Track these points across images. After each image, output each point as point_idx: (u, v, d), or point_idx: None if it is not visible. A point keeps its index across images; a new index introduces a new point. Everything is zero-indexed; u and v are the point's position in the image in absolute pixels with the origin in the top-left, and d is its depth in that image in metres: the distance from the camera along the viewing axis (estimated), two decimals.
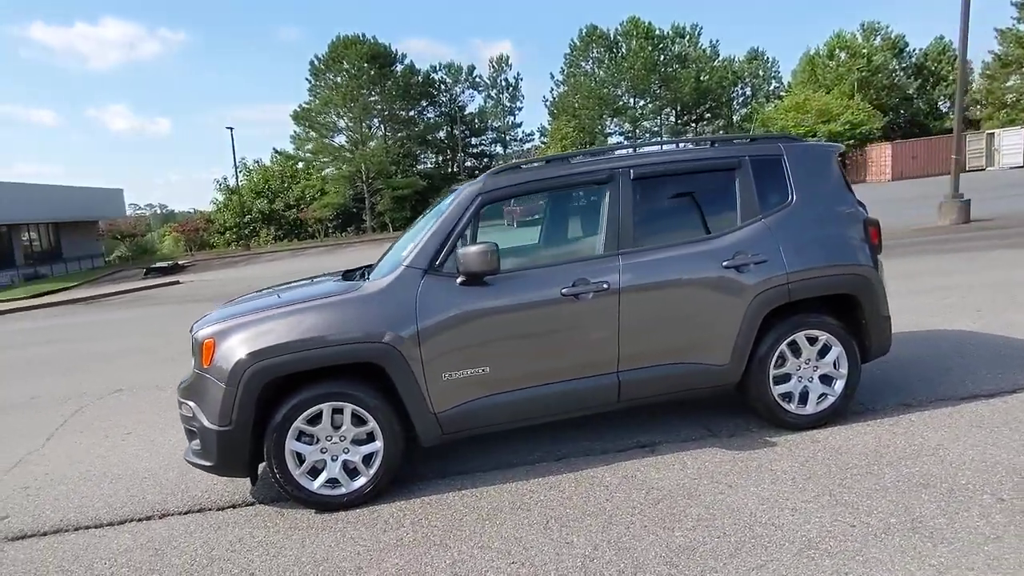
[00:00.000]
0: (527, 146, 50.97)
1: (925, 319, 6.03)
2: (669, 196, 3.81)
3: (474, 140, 50.78)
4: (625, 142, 45.65)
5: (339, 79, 44.21)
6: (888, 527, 2.66)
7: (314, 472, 3.32)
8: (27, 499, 3.90)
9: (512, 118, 51.25)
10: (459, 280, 3.33)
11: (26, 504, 3.83)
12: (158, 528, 3.35)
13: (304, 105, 45.00)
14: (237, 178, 41.88)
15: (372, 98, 45.07)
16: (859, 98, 43.64)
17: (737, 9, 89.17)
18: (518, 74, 51.24)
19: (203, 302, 13.33)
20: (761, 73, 53.71)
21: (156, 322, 12.30)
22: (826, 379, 3.76)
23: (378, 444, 3.32)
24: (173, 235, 44.16)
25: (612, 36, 48.40)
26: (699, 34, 50.19)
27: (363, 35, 43.88)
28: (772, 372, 3.67)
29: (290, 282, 4.42)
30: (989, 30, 42.84)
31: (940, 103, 48.49)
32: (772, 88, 53.66)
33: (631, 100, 49.08)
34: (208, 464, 3.32)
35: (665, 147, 4.08)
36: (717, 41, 52.40)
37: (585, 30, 48.42)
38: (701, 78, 48.46)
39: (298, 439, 3.26)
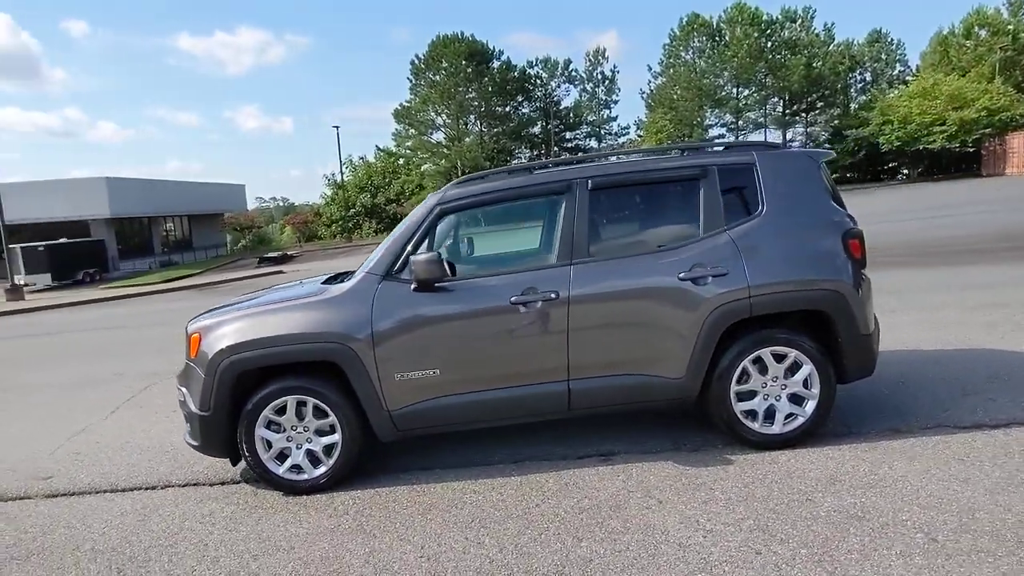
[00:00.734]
0: (622, 140, 50.24)
1: (980, 337, 5.49)
2: (628, 206, 3.79)
3: (568, 134, 50.66)
4: (717, 139, 43.78)
5: (438, 77, 45.67)
6: (793, 558, 2.56)
7: (282, 457, 3.65)
8: (73, 463, 4.55)
9: (607, 111, 50.67)
10: (412, 286, 3.53)
11: (70, 468, 4.47)
12: (155, 497, 3.83)
13: (405, 103, 46.98)
14: (342, 174, 44.50)
15: (469, 95, 46.18)
16: (1000, 81, 39.08)
17: None
18: (614, 67, 50.29)
19: None
20: (884, 57, 49.42)
21: None
22: (797, 399, 3.60)
23: (337, 436, 3.60)
24: (288, 227, 47.65)
25: (715, 24, 46.42)
26: (812, 17, 46.98)
27: (461, 34, 45.07)
28: (735, 388, 3.56)
29: (291, 283, 4.80)
30: None
31: None
32: (896, 73, 49.27)
33: (734, 90, 46.87)
34: (196, 444, 3.74)
35: (633, 157, 4.02)
36: (832, 24, 49.07)
37: (686, 19, 46.82)
38: (813, 64, 45.33)
39: (267, 427, 3.60)
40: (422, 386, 3.55)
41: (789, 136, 49.64)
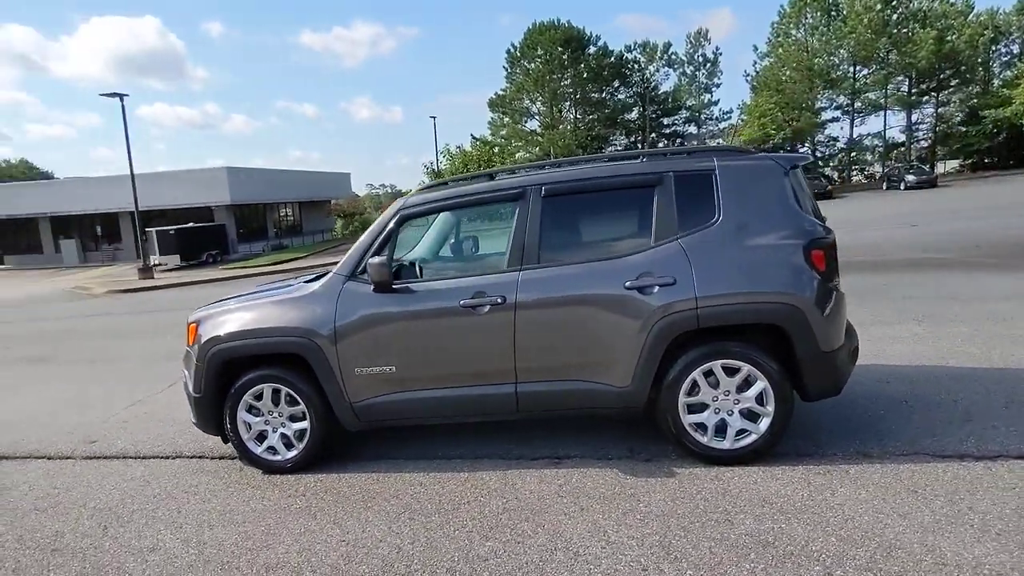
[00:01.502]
0: (722, 125, 47.93)
1: None
2: (582, 213, 3.78)
3: (666, 120, 49.04)
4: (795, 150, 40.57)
5: (532, 66, 45.74)
6: None
7: (261, 438, 4.02)
8: (117, 430, 5.22)
9: (709, 96, 48.43)
10: (371, 287, 3.75)
11: (114, 434, 5.13)
12: (163, 466, 4.35)
13: (500, 92, 47.48)
14: (437, 162, 45.81)
15: (564, 82, 45.90)
16: None
17: None
18: (717, 48, 48.10)
19: None
20: None
21: None
22: (751, 415, 3.47)
23: (307, 423, 3.91)
24: None
25: None
26: None
27: (557, 20, 44.75)
28: (684, 399, 3.49)
29: (288, 280, 5.16)
30: None
31: None
32: None
33: (850, 69, 43.24)
34: (195, 422, 4.20)
35: (593, 164, 3.95)
36: None
37: None
38: (945, 38, 40.81)
39: (248, 411, 3.98)
40: (380, 381, 3.78)
41: (916, 118, 45.18)
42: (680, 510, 3.07)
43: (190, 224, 32.81)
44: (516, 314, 3.58)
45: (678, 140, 48.98)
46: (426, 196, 3.90)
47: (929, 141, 45.43)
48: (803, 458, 3.52)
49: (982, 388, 4.29)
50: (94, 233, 38.48)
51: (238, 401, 3.95)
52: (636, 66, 48.09)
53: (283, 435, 3.98)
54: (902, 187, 33.77)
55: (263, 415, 3.98)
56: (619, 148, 48.58)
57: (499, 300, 3.58)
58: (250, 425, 3.99)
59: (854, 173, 45.94)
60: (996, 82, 42.96)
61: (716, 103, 49.29)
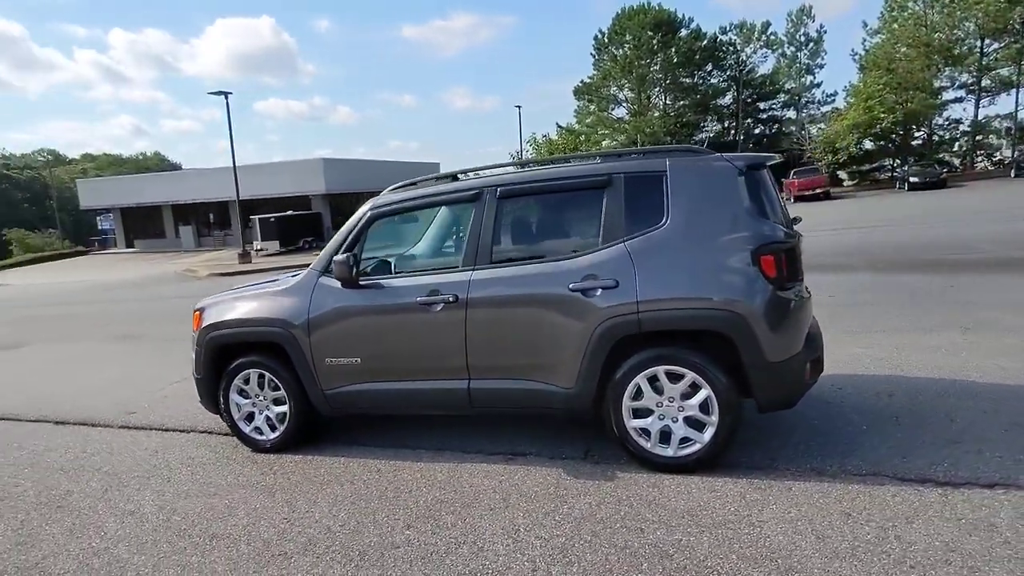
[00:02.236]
0: (824, 108, 44.63)
1: None
2: (534, 215, 3.80)
3: (762, 104, 46.40)
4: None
5: (620, 52, 44.75)
6: None
7: (250, 419, 4.38)
8: (156, 405, 5.81)
9: (811, 77, 45.29)
10: (339, 283, 3.97)
11: (151, 408, 5.72)
12: (176, 438, 4.83)
13: (586, 79, 46.85)
14: (522, 152, 46.10)
15: (653, 67, 44.59)
16: None
17: None
18: (821, 27, 44.48)
19: None
20: None
21: None
22: (695, 423, 3.39)
23: (286, 407, 4.22)
24: None
25: None
26: None
27: (648, 3, 43.39)
28: (629, 404, 3.46)
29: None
30: None
31: None
32: None
33: (978, 43, 38.93)
34: (200, 400, 4.63)
35: (556, 166, 3.91)
36: None
37: None
38: None
39: (239, 393, 4.35)
40: (347, 372, 4.00)
41: None
42: (600, 515, 3.07)
43: (289, 212, 35.03)
44: (467, 313, 3.67)
45: (775, 125, 46.29)
46: (393, 197, 4.06)
47: None
48: (752, 471, 3.39)
49: (991, 407, 3.91)
50: (208, 220, 41.96)
51: (230, 384, 4.32)
52: (731, 49, 45.83)
53: (267, 417, 4.32)
54: None
55: (251, 398, 4.33)
56: (711, 135, 46.63)
57: (451, 299, 3.69)
58: (240, 406, 4.35)
59: (979, 159, 41.46)
60: None
61: (818, 85, 46.05)
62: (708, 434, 3.35)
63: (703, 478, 3.34)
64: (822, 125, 42.43)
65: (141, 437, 4.92)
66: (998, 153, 41.88)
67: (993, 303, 6.75)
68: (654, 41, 43.57)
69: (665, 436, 3.44)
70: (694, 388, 3.34)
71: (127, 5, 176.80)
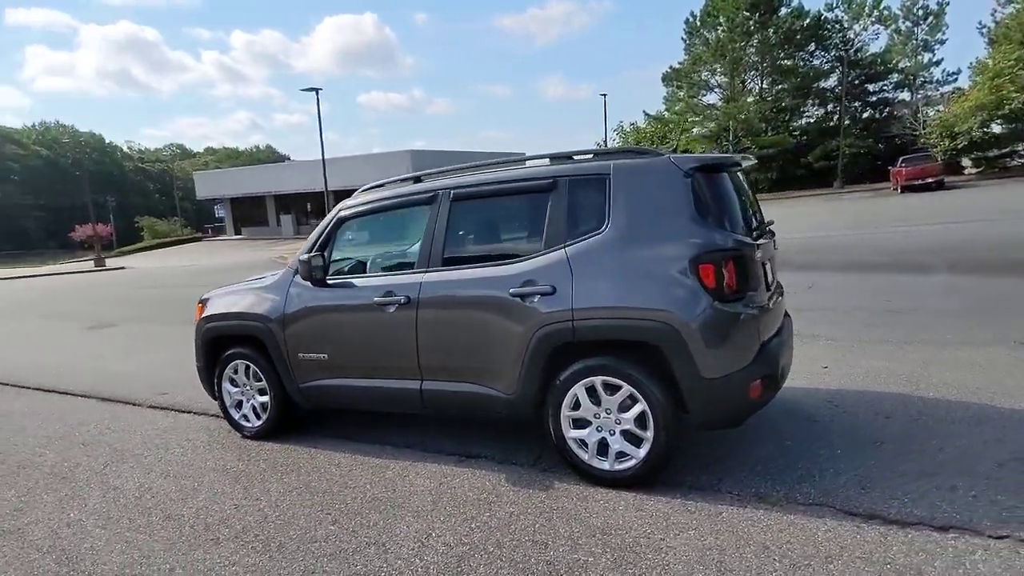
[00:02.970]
0: (944, 89, 40.37)
1: None
2: (484, 218, 3.74)
3: (871, 86, 42.67)
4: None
5: (712, 35, 42.74)
6: None
7: (239, 407, 4.66)
8: (186, 387, 6.24)
9: (929, 55, 41.06)
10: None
11: (180, 390, 6.18)
12: (185, 420, 5.22)
13: (675, 66, 45.16)
14: (606, 141, 45.27)
15: (749, 50, 42.26)
16: None
17: None
18: None
19: None
20: None
21: None
22: (633, 437, 3.25)
23: (268, 398, 4.45)
24: None
25: None
26: None
27: None
28: (568, 413, 3.37)
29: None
30: None
31: None
32: None
33: None
34: (203, 387, 4.98)
35: (509, 168, 3.80)
36: None
37: None
38: None
39: (230, 382, 4.64)
40: (317, 367, 4.16)
41: None
42: (516, 525, 3.03)
43: None
44: (418, 314, 3.71)
45: (885, 109, 42.47)
46: (360, 199, 4.16)
47: None
48: (691, 492, 3.21)
49: (996, 437, 3.47)
50: (305, 209, 44.53)
51: (223, 372, 4.62)
52: (837, 26, 42.45)
53: (253, 406, 4.57)
54: None
55: (240, 387, 4.61)
56: (811, 120, 43.61)
57: (403, 300, 3.74)
58: (231, 394, 4.64)
59: None
60: None
61: (938, 63, 41.66)
62: (644, 450, 3.20)
63: (637, 495, 3.21)
64: (941, 108, 38.55)
65: (159, 417, 5.36)
66: None
67: None
68: (751, 22, 41.24)
69: (603, 448, 3.33)
70: (632, 401, 3.20)
71: (247, 7, 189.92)
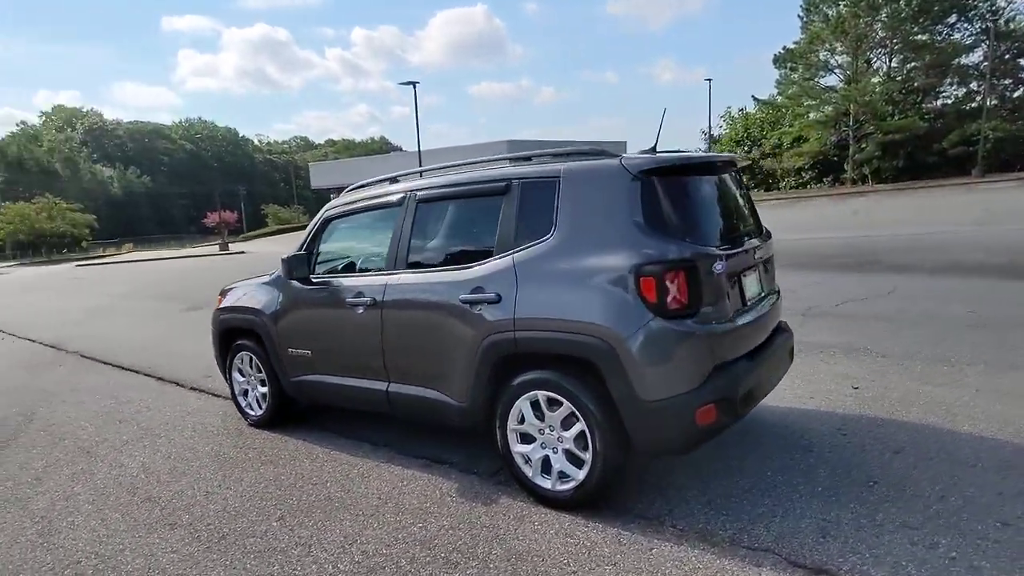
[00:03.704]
0: None
1: None
2: (444, 220, 3.63)
3: None
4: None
5: (833, 11, 39.28)
6: None
7: (246, 394, 4.90)
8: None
9: None
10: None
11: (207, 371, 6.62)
12: (210, 402, 5.56)
13: (790, 46, 42.00)
14: (710, 128, 43.15)
15: (876, 25, 38.46)
16: None
17: None
18: None
19: None
20: None
21: None
22: (574, 458, 3.06)
23: (266, 388, 4.65)
24: None
25: None
26: None
27: None
28: (515, 427, 3.24)
29: None
30: None
31: None
32: None
33: None
34: (222, 376, 5.29)
35: (472, 169, 3.62)
36: None
37: None
38: None
39: (238, 371, 4.89)
40: (302, 362, 4.28)
41: None
42: (441, 540, 2.95)
43: None
44: (383, 316, 3.70)
45: None
46: (345, 199, 4.21)
47: None
48: (633, 521, 2.97)
49: (1016, 491, 2.92)
50: None
51: (232, 363, 4.88)
52: None
53: (255, 396, 4.79)
54: None
55: (246, 376, 4.84)
56: (948, 101, 39.07)
57: (370, 301, 3.74)
58: (239, 383, 4.89)
59: None
60: None
61: None
62: (583, 472, 3.00)
63: (575, 519, 3.02)
64: None
65: (191, 399, 5.76)
66: None
67: None
68: None
69: (547, 466, 3.16)
70: (574, 419, 3.01)
71: (367, 4, 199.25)
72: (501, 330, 3.13)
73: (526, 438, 3.24)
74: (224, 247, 36.94)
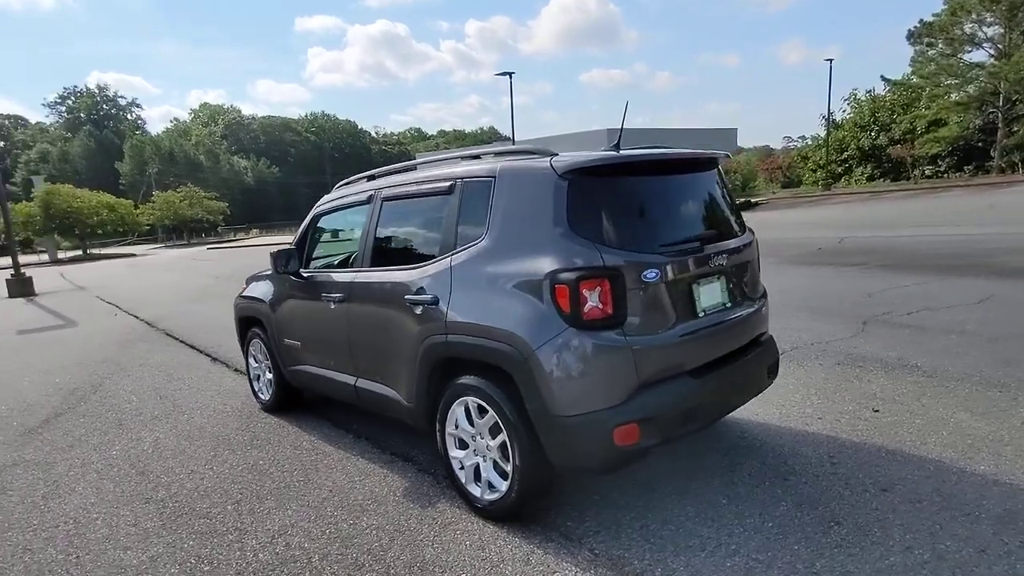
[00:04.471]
0: None
1: None
2: (403, 220, 3.60)
3: None
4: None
5: None
6: None
7: (258, 379, 5.18)
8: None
9: None
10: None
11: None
12: (240, 384, 5.92)
13: (927, 19, 37.64)
14: (829, 115, 39.79)
15: None
16: None
17: None
18: None
19: None
20: None
21: None
22: (500, 469, 2.95)
23: (271, 375, 4.89)
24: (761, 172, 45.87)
25: None
26: None
27: None
28: (451, 432, 3.18)
29: None
30: None
31: None
32: None
33: None
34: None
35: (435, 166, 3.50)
36: None
37: None
38: None
39: (252, 357, 5.18)
40: (294, 352, 4.45)
41: None
42: (358, 541, 2.96)
43: None
44: (348, 311, 3.76)
45: None
46: (333, 195, 4.31)
47: None
48: (552, 540, 2.82)
49: (1004, 551, 2.44)
50: None
51: (247, 348, 5.18)
52: None
53: (265, 381, 5.05)
54: None
55: (259, 363, 5.11)
56: None
57: (339, 297, 3.81)
58: (252, 368, 5.18)
59: None
60: None
61: None
62: (506, 484, 2.89)
63: (498, 531, 2.92)
64: None
65: (227, 379, 6.18)
66: None
67: None
68: None
69: (478, 474, 3.07)
70: (498, 428, 2.90)
71: None
72: (436, 332, 3.07)
73: (462, 444, 3.16)
74: None
